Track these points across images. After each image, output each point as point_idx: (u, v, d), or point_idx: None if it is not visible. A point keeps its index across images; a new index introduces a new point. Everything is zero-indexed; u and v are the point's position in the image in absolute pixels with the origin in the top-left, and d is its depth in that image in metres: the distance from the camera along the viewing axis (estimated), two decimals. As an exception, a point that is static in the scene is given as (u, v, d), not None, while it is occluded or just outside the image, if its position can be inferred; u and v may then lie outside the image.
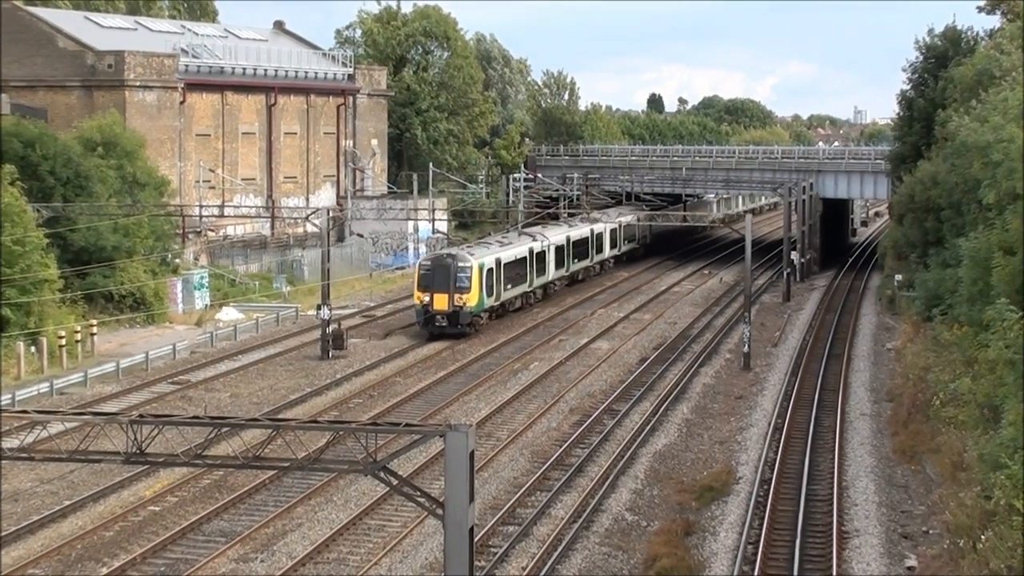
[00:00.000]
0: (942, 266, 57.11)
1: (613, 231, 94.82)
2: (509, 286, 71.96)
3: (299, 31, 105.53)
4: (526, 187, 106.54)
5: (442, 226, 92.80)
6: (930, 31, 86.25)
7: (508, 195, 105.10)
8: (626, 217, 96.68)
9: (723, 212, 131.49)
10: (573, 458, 43.55)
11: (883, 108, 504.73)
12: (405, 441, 32.78)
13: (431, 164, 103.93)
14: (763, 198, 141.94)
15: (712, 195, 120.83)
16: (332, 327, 61.34)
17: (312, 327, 66.39)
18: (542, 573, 32.68)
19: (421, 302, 65.95)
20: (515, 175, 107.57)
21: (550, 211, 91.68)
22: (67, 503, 37.99)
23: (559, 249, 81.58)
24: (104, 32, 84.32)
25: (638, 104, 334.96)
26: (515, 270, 73.26)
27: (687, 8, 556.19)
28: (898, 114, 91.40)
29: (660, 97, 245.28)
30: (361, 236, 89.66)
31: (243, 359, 60.38)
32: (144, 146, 72.24)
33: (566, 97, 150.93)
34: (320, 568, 33.42)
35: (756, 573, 32.57)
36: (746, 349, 59.96)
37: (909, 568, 33.13)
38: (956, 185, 56.62)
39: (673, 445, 45.97)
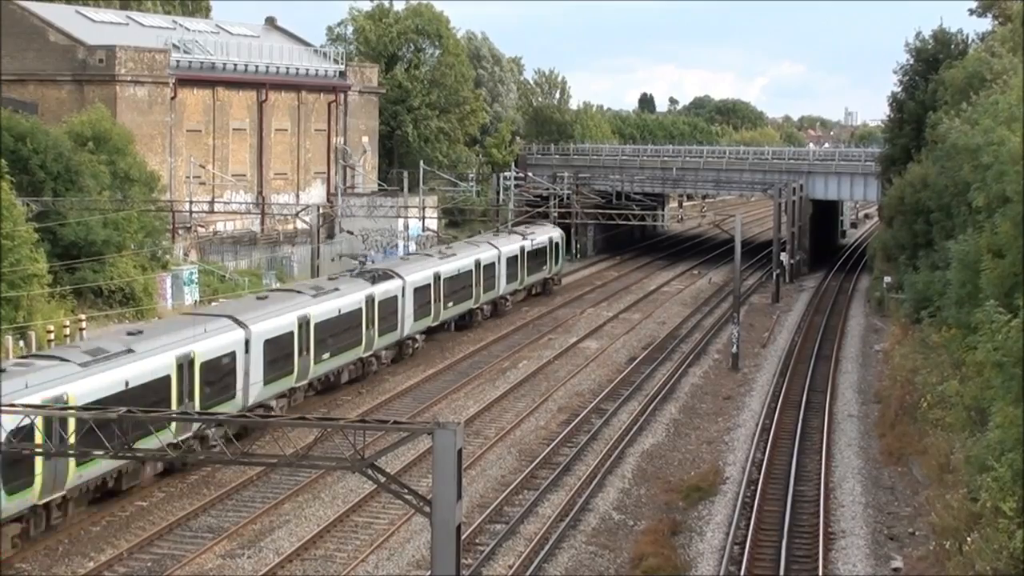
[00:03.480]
0: (931, 268, 57.20)
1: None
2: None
3: (291, 27, 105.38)
4: (516, 186, 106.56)
5: (432, 224, 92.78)
6: (919, 34, 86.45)
7: (498, 193, 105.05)
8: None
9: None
10: (561, 457, 43.59)
11: (874, 110, 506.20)
12: (393, 438, 32.87)
13: (422, 162, 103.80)
14: (752, 197, 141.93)
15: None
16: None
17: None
18: (529, 571, 32.72)
19: None
20: (505, 173, 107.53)
21: (540, 210, 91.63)
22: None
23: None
24: (95, 27, 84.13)
25: (629, 104, 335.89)
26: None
27: (678, 8, 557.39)
28: (888, 116, 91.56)
29: (651, 97, 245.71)
30: (351, 233, 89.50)
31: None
32: (134, 141, 72.10)
33: (557, 96, 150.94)
34: (307, 565, 33.42)
35: (742, 573, 32.62)
36: (735, 350, 60.05)
37: (895, 569, 33.21)
38: (946, 188, 56.71)
39: (661, 445, 46.03)
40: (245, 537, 35.33)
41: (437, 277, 62.75)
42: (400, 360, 58.88)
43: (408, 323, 58.97)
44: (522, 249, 75.74)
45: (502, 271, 72.09)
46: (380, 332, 55.62)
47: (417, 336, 60.64)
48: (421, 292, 60.35)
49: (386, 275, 57.83)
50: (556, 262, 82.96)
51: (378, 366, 56.20)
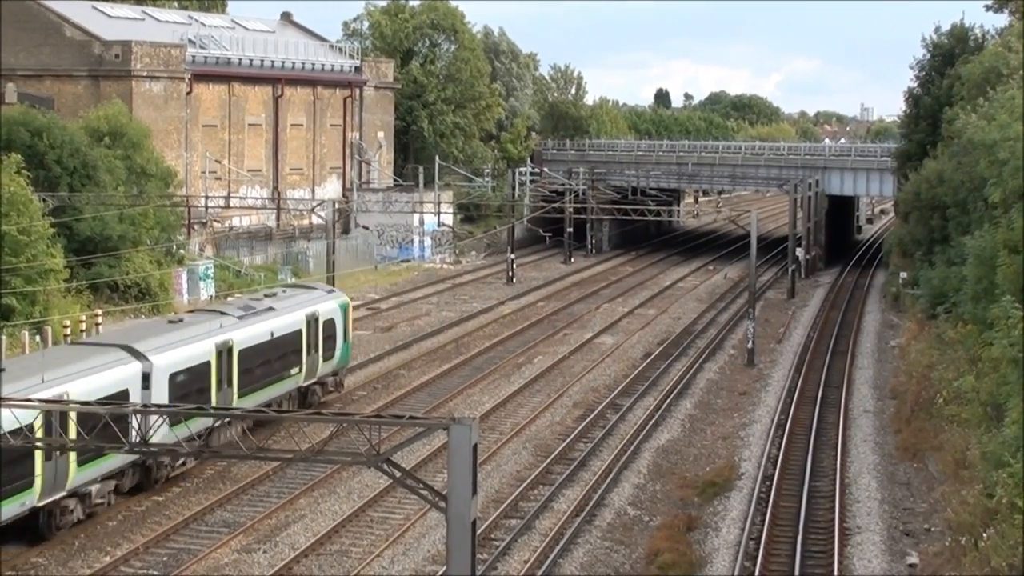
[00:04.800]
0: (947, 264, 57.10)
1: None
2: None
3: (306, 23, 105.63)
4: (532, 181, 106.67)
5: (447, 219, 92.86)
6: (937, 29, 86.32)
7: (514, 189, 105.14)
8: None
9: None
10: (576, 452, 43.58)
11: (890, 105, 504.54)
12: (409, 433, 32.87)
13: (437, 157, 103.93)
14: (768, 192, 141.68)
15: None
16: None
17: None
18: (544, 567, 32.72)
19: None
20: (521, 169, 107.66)
21: (556, 205, 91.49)
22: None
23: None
24: (111, 22, 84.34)
25: (644, 99, 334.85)
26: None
27: (693, 5, 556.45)
28: (905, 112, 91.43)
29: (667, 92, 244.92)
30: (367, 228, 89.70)
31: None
32: (150, 136, 72.25)
33: (573, 91, 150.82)
34: (323, 560, 33.47)
35: (758, 569, 32.59)
36: (750, 345, 59.96)
37: (911, 565, 33.15)
38: (962, 183, 56.60)
39: (676, 440, 46.00)
40: (261, 532, 35.39)
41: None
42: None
43: None
44: (224, 350, 40.41)
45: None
46: None
47: None
48: None
49: None
50: (332, 354, 48.22)
51: None
